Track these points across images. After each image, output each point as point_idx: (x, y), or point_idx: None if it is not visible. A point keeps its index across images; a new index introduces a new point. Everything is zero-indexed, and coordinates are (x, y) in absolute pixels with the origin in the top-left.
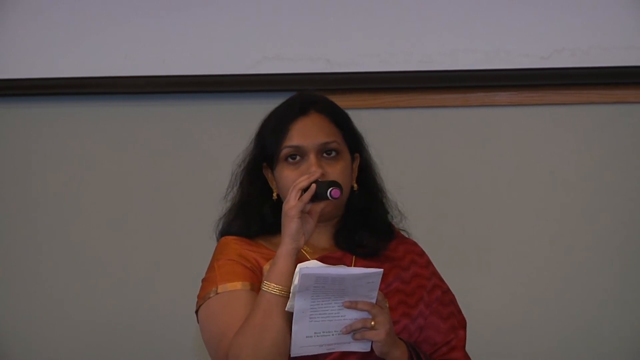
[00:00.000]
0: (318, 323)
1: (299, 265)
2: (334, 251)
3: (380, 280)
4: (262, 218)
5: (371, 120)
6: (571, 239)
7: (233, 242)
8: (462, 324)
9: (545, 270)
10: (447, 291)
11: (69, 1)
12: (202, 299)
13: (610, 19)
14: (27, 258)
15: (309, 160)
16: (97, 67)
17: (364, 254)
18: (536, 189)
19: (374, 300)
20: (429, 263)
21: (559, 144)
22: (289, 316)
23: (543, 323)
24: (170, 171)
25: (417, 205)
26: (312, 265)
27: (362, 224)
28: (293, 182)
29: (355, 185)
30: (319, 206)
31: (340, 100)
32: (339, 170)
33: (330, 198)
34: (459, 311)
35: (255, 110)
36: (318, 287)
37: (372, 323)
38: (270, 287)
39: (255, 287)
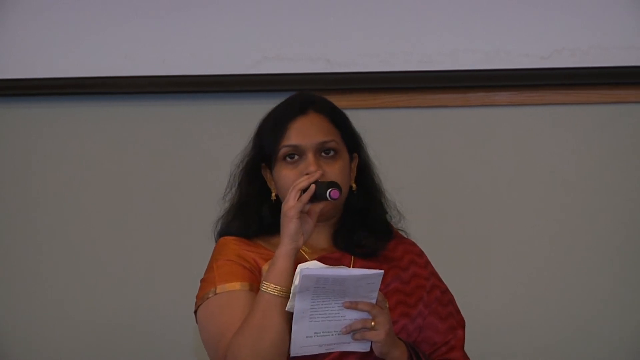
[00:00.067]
0: (318, 323)
1: (300, 266)
2: (333, 251)
3: (380, 281)
4: (261, 218)
5: (371, 120)
6: (571, 239)
7: (232, 243)
8: (461, 324)
9: (545, 270)
10: (445, 291)
11: (69, 1)
12: (200, 299)
13: (610, 19)
14: (27, 258)
15: (307, 160)
16: (97, 67)
17: (363, 254)
18: (536, 189)
19: (374, 301)
20: (427, 263)
21: (559, 144)
22: (288, 316)
23: (543, 323)
24: (170, 171)
25: (417, 206)
26: (312, 266)
27: (361, 224)
28: (292, 182)
29: (353, 185)
30: (318, 207)
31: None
32: (337, 170)
33: (329, 199)
34: (458, 311)
35: (255, 110)
36: (318, 287)
37: (372, 323)
38: (269, 287)
39: (254, 287)
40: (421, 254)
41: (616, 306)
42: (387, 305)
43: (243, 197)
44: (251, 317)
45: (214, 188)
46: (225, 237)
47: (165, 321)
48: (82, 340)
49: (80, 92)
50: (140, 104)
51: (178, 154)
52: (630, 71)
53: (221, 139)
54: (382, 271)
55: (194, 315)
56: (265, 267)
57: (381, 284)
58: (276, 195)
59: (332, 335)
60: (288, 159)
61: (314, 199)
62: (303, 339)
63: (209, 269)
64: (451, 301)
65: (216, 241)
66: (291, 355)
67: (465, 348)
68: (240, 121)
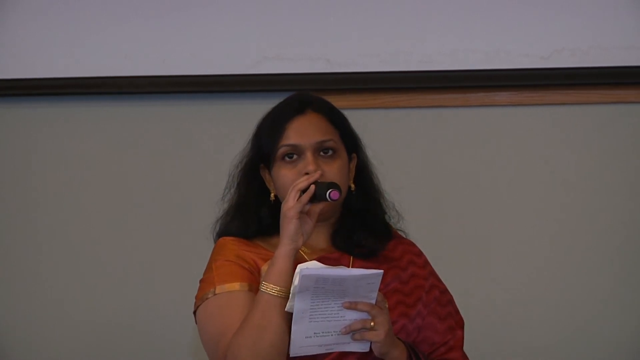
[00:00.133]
0: (317, 323)
1: (299, 266)
2: (332, 252)
3: (380, 281)
4: (260, 219)
5: (371, 120)
6: (571, 239)
7: (231, 243)
8: (460, 324)
9: (545, 270)
10: (445, 291)
11: (69, 1)
12: (200, 299)
13: (610, 19)
14: (27, 258)
15: (306, 159)
16: (97, 67)
17: (362, 255)
18: (536, 189)
19: (373, 301)
20: (426, 263)
21: (559, 144)
22: (288, 316)
23: (543, 323)
24: (170, 171)
25: (417, 206)
26: (312, 266)
27: (360, 224)
28: (290, 181)
29: (352, 186)
30: (318, 207)
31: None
32: (336, 169)
33: (329, 199)
34: (457, 311)
35: (255, 110)
36: (318, 287)
37: (372, 324)
38: (269, 287)
39: (253, 287)
40: (420, 254)
41: (616, 306)
42: (387, 306)
43: (242, 197)
44: (251, 318)
45: (213, 188)
46: (225, 238)
47: (165, 321)
48: (82, 340)
49: (80, 92)
50: (140, 104)
51: (178, 154)
52: (630, 71)
53: (221, 139)
54: (382, 271)
55: (193, 315)
56: (264, 268)
57: (381, 284)
58: (275, 196)
59: (332, 335)
60: (287, 158)
61: (314, 199)
62: (302, 339)
63: (208, 269)
64: (450, 301)
65: (215, 242)
66: (290, 355)
67: (465, 348)
68: (240, 121)
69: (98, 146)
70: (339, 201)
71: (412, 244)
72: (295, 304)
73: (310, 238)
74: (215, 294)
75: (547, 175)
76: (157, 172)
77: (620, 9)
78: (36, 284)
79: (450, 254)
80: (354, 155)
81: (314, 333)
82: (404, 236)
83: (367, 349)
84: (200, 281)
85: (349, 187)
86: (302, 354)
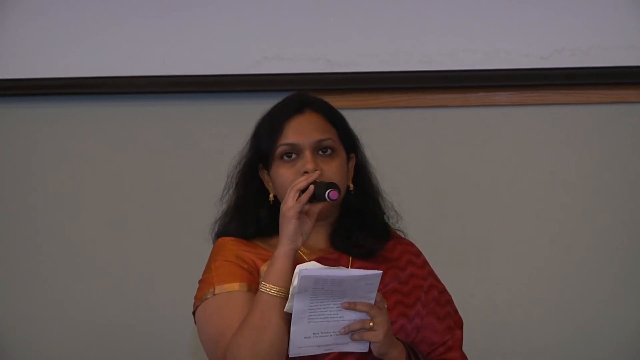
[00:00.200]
0: (317, 324)
1: (299, 267)
2: (331, 252)
3: (379, 281)
4: (258, 220)
5: (371, 120)
6: (571, 239)
7: (230, 243)
8: (459, 324)
9: (545, 270)
10: (443, 291)
11: (69, 1)
12: (199, 300)
13: (610, 19)
14: (27, 258)
15: (304, 158)
16: (97, 67)
17: (361, 255)
18: (536, 189)
19: (372, 302)
20: (425, 263)
21: (559, 144)
22: (287, 316)
23: (543, 323)
24: (170, 171)
25: (417, 206)
26: (311, 267)
27: (359, 224)
28: (289, 181)
29: (351, 185)
30: (317, 207)
31: (340, 100)
32: (334, 168)
33: (328, 199)
34: (456, 311)
35: (255, 110)
36: (317, 288)
37: (371, 324)
38: (268, 287)
39: (253, 288)
40: (419, 254)
41: (616, 306)
42: (386, 306)
43: (240, 198)
44: (250, 318)
45: (213, 188)
46: (224, 238)
47: (165, 321)
48: (82, 340)
49: (80, 92)
50: (140, 104)
51: (178, 154)
52: (630, 71)
53: (221, 139)
54: (381, 272)
55: (192, 315)
56: (263, 268)
57: (380, 284)
58: (274, 196)
59: (331, 335)
60: (285, 157)
61: (313, 199)
62: (302, 339)
63: (207, 269)
64: (449, 301)
65: (213, 243)
66: (290, 355)
67: (465, 348)
68: (240, 121)
69: (98, 146)
70: (337, 201)
71: (411, 244)
72: (295, 305)
73: (309, 238)
74: (214, 294)
75: (547, 175)
76: (157, 172)
77: (620, 9)
78: (36, 284)
79: (450, 254)
80: (353, 155)
81: (313, 333)
82: (403, 236)
83: (366, 349)
84: (200, 281)
85: (348, 187)
86: (301, 354)
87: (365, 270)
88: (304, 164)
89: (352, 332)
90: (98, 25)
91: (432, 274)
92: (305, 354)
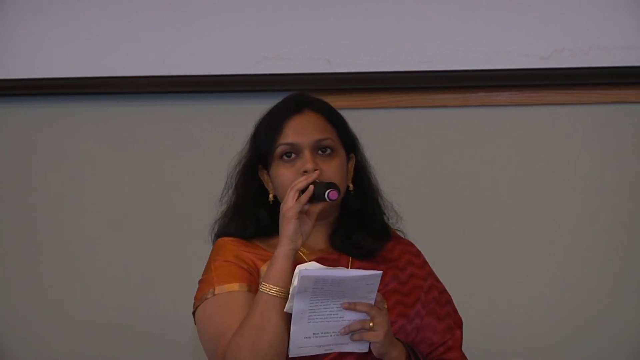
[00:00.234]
0: (317, 324)
1: (298, 267)
2: (330, 252)
3: (379, 282)
4: (258, 220)
5: (371, 120)
6: (571, 239)
7: (229, 244)
8: (459, 324)
9: (545, 270)
10: (443, 291)
11: (69, 1)
12: (199, 300)
13: (610, 19)
14: (27, 258)
15: (304, 158)
16: (97, 67)
17: (360, 255)
18: (536, 189)
19: (372, 302)
20: (425, 263)
21: (559, 144)
22: (287, 316)
23: (543, 323)
24: (170, 171)
25: (417, 206)
26: (311, 267)
27: (358, 225)
28: (289, 180)
29: (351, 186)
30: (317, 207)
31: (340, 100)
32: (334, 168)
33: (327, 199)
34: (455, 311)
35: (255, 110)
36: (317, 288)
37: (371, 324)
38: (268, 287)
39: (252, 288)
40: (418, 254)
41: (616, 306)
42: (386, 306)
43: (240, 199)
44: (250, 318)
45: (213, 188)
46: (223, 238)
47: (165, 321)
48: (82, 340)
49: (80, 92)
50: (140, 104)
51: (178, 154)
52: (630, 71)
53: (221, 139)
54: (381, 272)
55: (192, 315)
56: (263, 268)
57: (379, 285)
58: (274, 197)
59: (331, 336)
60: (285, 157)
61: (313, 199)
62: (302, 339)
63: (207, 270)
64: (449, 301)
65: (213, 243)
66: (290, 355)
67: (466, 348)
68: (240, 121)
69: (98, 146)
70: (337, 201)
71: (411, 244)
72: (295, 305)
73: (309, 238)
74: (214, 295)
75: (547, 175)
76: (157, 172)
77: (620, 9)
78: (36, 284)
79: (450, 254)
80: (352, 155)
81: (313, 333)
82: (402, 236)
83: (366, 350)
84: (199, 282)
85: (347, 187)
86: (301, 355)
87: (366, 271)
88: (304, 163)
89: (352, 332)
90: (98, 25)
91: (431, 274)
92: (305, 354)
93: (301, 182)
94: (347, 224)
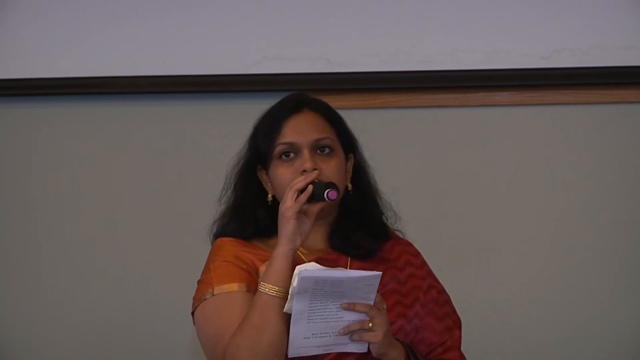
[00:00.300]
0: (316, 324)
1: (298, 268)
2: (329, 252)
3: (378, 282)
4: (257, 220)
5: (371, 120)
6: (571, 239)
7: (228, 244)
8: (457, 324)
9: (545, 270)
10: (442, 291)
11: (69, 1)
12: (198, 300)
13: (610, 19)
14: (27, 258)
15: (303, 157)
16: (97, 67)
17: (359, 256)
18: (536, 189)
19: (371, 302)
20: (423, 263)
21: (559, 144)
22: (286, 316)
23: (543, 323)
24: (170, 171)
25: (417, 206)
26: (310, 268)
27: (357, 225)
28: (288, 180)
29: (349, 186)
30: (316, 207)
31: (340, 100)
32: (333, 167)
33: (327, 199)
34: (454, 311)
35: (255, 110)
36: (317, 289)
37: (370, 325)
38: (267, 287)
39: (251, 288)
40: (417, 254)
41: (616, 306)
42: (385, 307)
43: (239, 199)
44: (249, 318)
45: (213, 188)
46: (222, 239)
47: (165, 321)
48: (82, 340)
49: (80, 92)
50: (140, 104)
51: (178, 154)
52: (630, 71)
53: (221, 139)
54: (380, 272)
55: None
56: (262, 268)
57: (378, 285)
58: (273, 197)
59: (330, 336)
60: (284, 157)
61: (312, 199)
62: (301, 340)
63: (206, 270)
64: (447, 301)
65: (212, 243)
66: (289, 356)
67: (465, 348)
68: (240, 121)
69: (98, 146)
70: (336, 201)
71: (409, 244)
72: (294, 305)
73: (308, 238)
74: (213, 295)
75: (547, 175)
76: (157, 172)
77: (620, 9)
78: (36, 284)
79: (450, 254)
80: (351, 155)
81: (312, 334)
82: (401, 236)
83: (365, 350)
84: (198, 282)
85: (346, 187)
86: (300, 355)
87: (365, 272)
88: (303, 162)
89: (351, 332)
90: (98, 25)
91: (430, 274)
92: (305, 354)
93: (300, 181)
94: (345, 224)
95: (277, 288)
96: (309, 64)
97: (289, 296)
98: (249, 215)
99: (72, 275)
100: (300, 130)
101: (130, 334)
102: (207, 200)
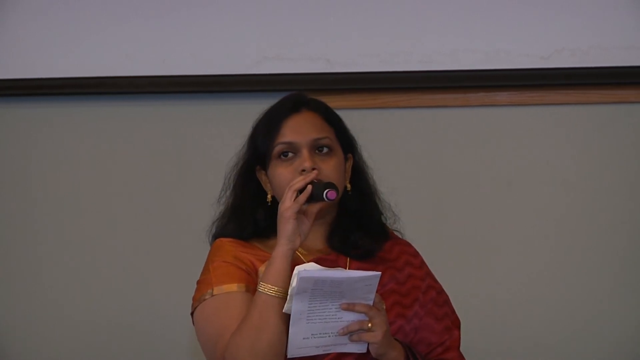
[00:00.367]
0: (315, 324)
1: (297, 268)
2: (328, 253)
3: (377, 283)
4: (256, 221)
5: (371, 120)
6: (571, 239)
7: (228, 244)
8: (456, 324)
9: (545, 270)
10: (441, 292)
11: (69, 1)
12: (197, 301)
13: (610, 19)
14: (27, 258)
15: (302, 156)
16: (97, 67)
17: (358, 256)
18: (536, 189)
19: (371, 302)
20: (422, 264)
21: (559, 144)
22: (286, 317)
23: (543, 323)
24: (170, 171)
25: (417, 206)
26: (309, 268)
27: (356, 225)
28: (287, 180)
29: (348, 186)
30: (315, 207)
31: (340, 100)
32: (332, 167)
33: (326, 199)
34: (453, 311)
35: (255, 110)
36: (316, 289)
37: (369, 325)
38: (267, 288)
39: (251, 288)
40: (416, 254)
41: (616, 306)
42: (384, 307)
43: (238, 199)
44: (249, 318)
45: (213, 188)
46: (221, 239)
47: (165, 321)
48: (82, 340)
49: (80, 92)
50: (140, 104)
51: (178, 154)
52: (630, 71)
53: (221, 139)
54: (380, 273)
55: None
56: (261, 269)
57: (378, 285)
58: (272, 197)
59: (329, 336)
60: (282, 156)
61: (311, 199)
62: (300, 340)
63: (205, 270)
64: (446, 302)
65: (211, 244)
66: (288, 356)
67: (465, 348)
68: (240, 121)
69: (98, 146)
70: (335, 201)
71: (409, 245)
72: (293, 306)
73: (307, 239)
74: (212, 295)
75: (547, 176)
76: (157, 172)
77: (620, 9)
78: (36, 284)
79: (450, 254)
80: (350, 155)
81: (312, 334)
82: (400, 236)
83: (364, 350)
84: (198, 282)
85: (345, 187)
86: (300, 355)
87: (365, 272)
88: (302, 162)
89: (350, 333)
90: (98, 25)
91: (429, 274)
92: (304, 355)
93: (299, 181)
94: (344, 225)
95: (276, 288)
96: (309, 64)
97: (288, 296)
98: (248, 215)
99: (72, 275)
100: (299, 130)
101: (130, 334)
102: (207, 200)
